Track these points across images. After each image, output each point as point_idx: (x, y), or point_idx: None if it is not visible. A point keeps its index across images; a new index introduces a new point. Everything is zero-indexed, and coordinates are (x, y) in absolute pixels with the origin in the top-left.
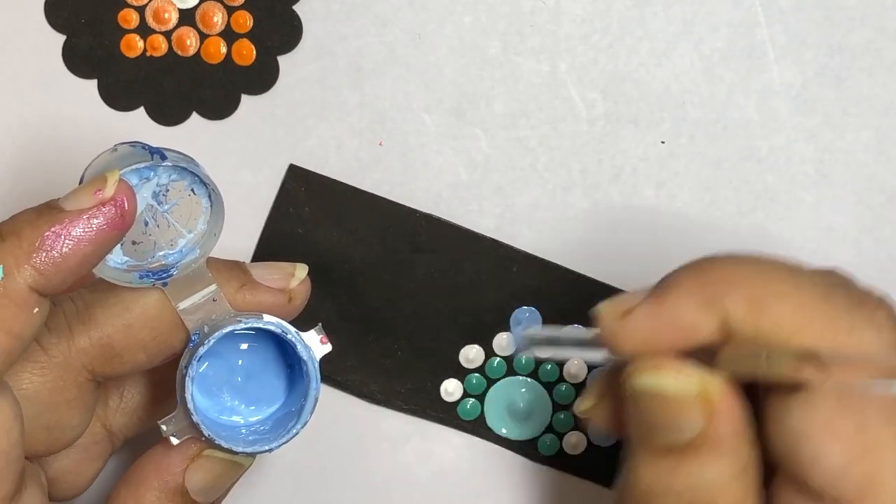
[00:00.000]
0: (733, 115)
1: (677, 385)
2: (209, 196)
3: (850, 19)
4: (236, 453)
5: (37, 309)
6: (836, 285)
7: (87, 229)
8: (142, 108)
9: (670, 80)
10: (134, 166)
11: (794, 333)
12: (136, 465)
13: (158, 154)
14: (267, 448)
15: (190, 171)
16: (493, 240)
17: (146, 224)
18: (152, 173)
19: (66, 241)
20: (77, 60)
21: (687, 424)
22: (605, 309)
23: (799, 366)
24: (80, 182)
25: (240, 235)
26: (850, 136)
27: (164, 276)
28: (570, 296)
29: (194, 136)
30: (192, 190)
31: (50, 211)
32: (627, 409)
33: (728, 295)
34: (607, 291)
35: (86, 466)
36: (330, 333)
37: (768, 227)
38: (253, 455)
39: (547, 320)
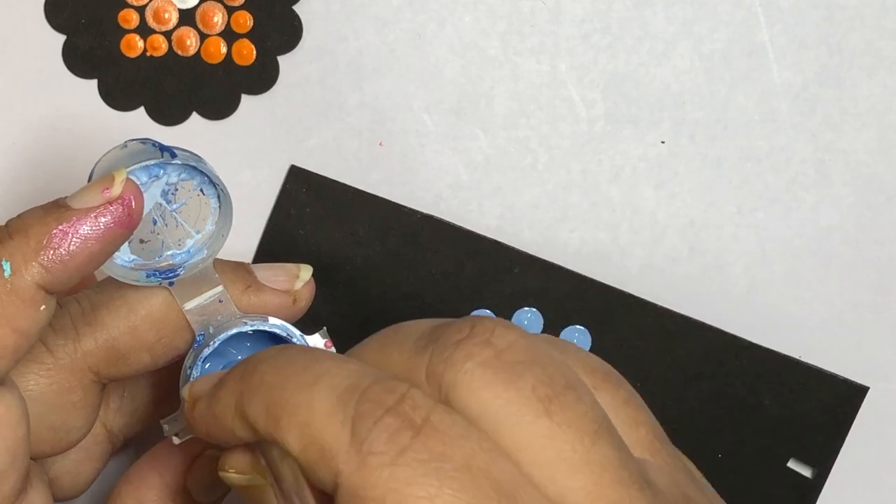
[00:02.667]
0: (733, 115)
1: (240, 479)
2: (218, 197)
3: (850, 19)
4: None
5: (43, 306)
6: (353, 390)
7: (94, 227)
8: (142, 108)
9: (670, 80)
10: (143, 163)
11: (301, 451)
12: (137, 464)
13: (168, 152)
14: None
15: (199, 170)
16: (494, 241)
17: (154, 223)
18: (162, 171)
19: (74, 240)
20: (77, 60)
21: None
22: (183, 393)
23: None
24: (90, 178)
25: (240, 236)
26: (850, 136)
27: (171, 275)
28: (571, 297)
29: (194, 136)
30: (202, 190)
31: (57, 209)
32: None
33: (252, 405)
34: (607, 292)
35: (86, 467)
36: (331, 334)
37: (768, 227)
38: None
39: (548, 321)
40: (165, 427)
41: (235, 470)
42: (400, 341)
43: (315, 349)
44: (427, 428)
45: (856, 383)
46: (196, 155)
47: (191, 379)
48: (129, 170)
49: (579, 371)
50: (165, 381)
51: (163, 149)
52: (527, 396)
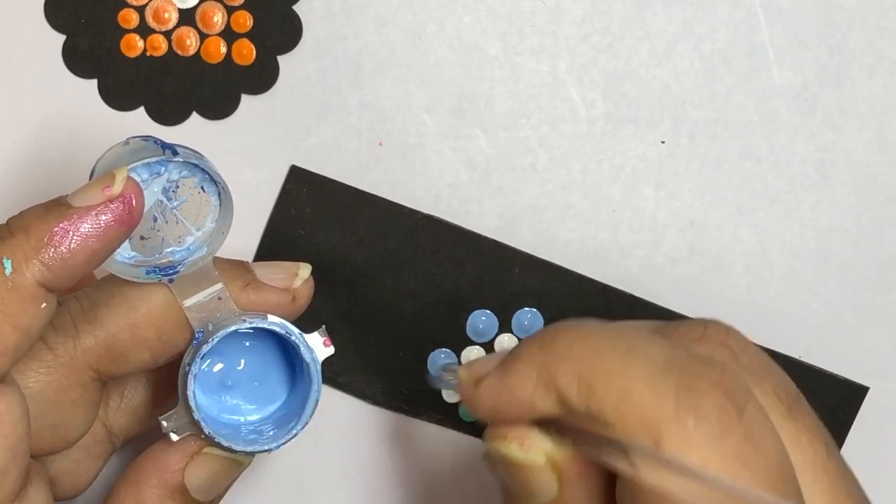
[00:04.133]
0: (733, 115)
1: (521, 455)
2: (219, 194)
3: (850, 19)
4: (236, 452)
5: (44, 304)
6: (671, 363)
7: (95, 225)
8: (142, 108)
9: (670, 80)
10: (145, 161)
11: (619, 418)
12: (136, 462)
13: (170, 149)
14: (266, 448)
15: (201, 168)
16: (494, 241)
17: (155, 220)
18: (163, 168)
19: (75, 237)
20: (77, 60)
21: (539, 490)
22: (462, 374)
23: (615, 456)
24: (91, 175)
25: (240, 235)
26: (850, 136)
27: (170, 272)
28: (572, 297)
29: (194, 136)
30: (202, 187)
31: (58, 207)
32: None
33: (561, 373)
34: (607, 292)
35: (86, 466)
36: (331, 334)
37: (768, 227)
38: (252, 454)
39: (548, 321)
40: (164, 424)
41: (520, 444)
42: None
43: (616, 325)
44: (748, 415)
45: (856, 383)
46: (197, 152)
47: (190, 376)
48: (130, 167)
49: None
50: (165, 380)
51: (164, 146)
52: (772, 400)
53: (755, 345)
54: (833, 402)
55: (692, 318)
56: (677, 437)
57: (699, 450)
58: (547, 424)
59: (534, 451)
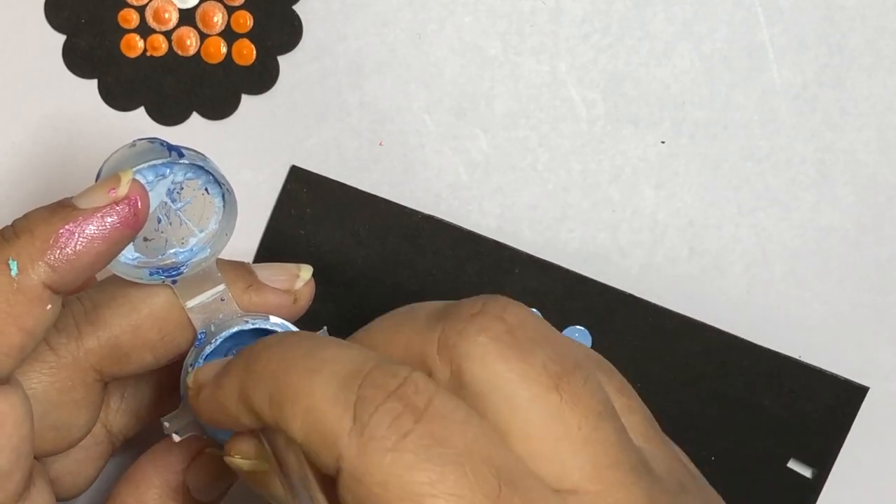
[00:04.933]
0: (733, 115)
1: (246, 464)
2: (223, 196)
3: (850, 19)
4: None
5: (49, 306)
6: (354, 376)
7: (100, 227)
8: (142, 108)
9: (670, 80)
10: (151, 163)
11: (305, 437)
12: (137, 463)
13: (176, 151)
14: None
15: (205, 170)
16: (494, 241)
17: (159, 221)
18: (168, 170)
19: (80, 239)
20: (77, 60)
21: (271, 493)
22: (188, 379)
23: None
24: (97, 176)
25: (240, 235)
26: (850, 136)
27: (174, 273)
28: (571, 297)
29: (194, 136)
30: (206, 189)
31: (64, 209)
32: None
33: (256, 393)
34: (607, 292)
35: (86, 466)
36: (331, 334)
37: (768, 227)
38: None
39: (548, 321)
40: (165, 424)
41: (241, 455)
42: (412, 318)
43: (318, 335)
44: (429, 412)
45: (856, 383)
46: (202, 154)
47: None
48: (136, 169)
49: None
50: (166, 381)
51: (170, 148)
52: (538, 372)
53: (537, 318)
54: (833, 402)
55: (477, 296)
56: (356, 450)
57: (377, 457)
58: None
59: (248, 460)
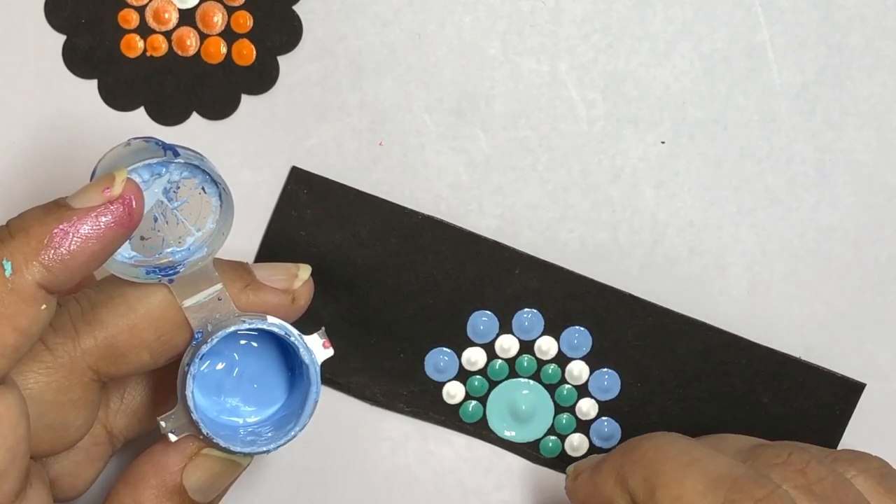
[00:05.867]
0: (733, 115)
1: None
2: (219, 195)
3: (850, 19)
4: (234, 453)
5: (44, 306)
6: (724, 478)
7: (95, 227)
8: (142, 108)
9: (670, 80)
10: (146, 162)
11: None
12: (135, 464)
13: (171, 150)
14: (264, 449)
15: (202, 169)
16: (494, 242)
17: (155, 220)
18: (164, 169)
19: (75, 239)
20: (77, 60)
21: None
22: (569, 470)
23: None
24: (92, 175)
25: (240, 235)
26: (850, 136)
27: (170, 272)
28: (572, 298)
29: (194, 136)
30: (203, 188)
31: (58, 208)
32: None
33: (632, 476)
34: (608, 292)
35: (86, 468)
36: (332, 335)
37: (768, 227)
38: (251, 455)
39: (548, 322)
40: (162, 424)
41: None
42: (723, 449)
43: (691, 439)
44: None
45: (852, 380)
46: (198, 153)
47: (189, 376)
48: (131, 168)
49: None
50: (165, 382)
51: (166, 147)
52: None
53: (837, 475)
54: (830, 399)
55: (783, 443)
56: None
57: None
58: None
59: None
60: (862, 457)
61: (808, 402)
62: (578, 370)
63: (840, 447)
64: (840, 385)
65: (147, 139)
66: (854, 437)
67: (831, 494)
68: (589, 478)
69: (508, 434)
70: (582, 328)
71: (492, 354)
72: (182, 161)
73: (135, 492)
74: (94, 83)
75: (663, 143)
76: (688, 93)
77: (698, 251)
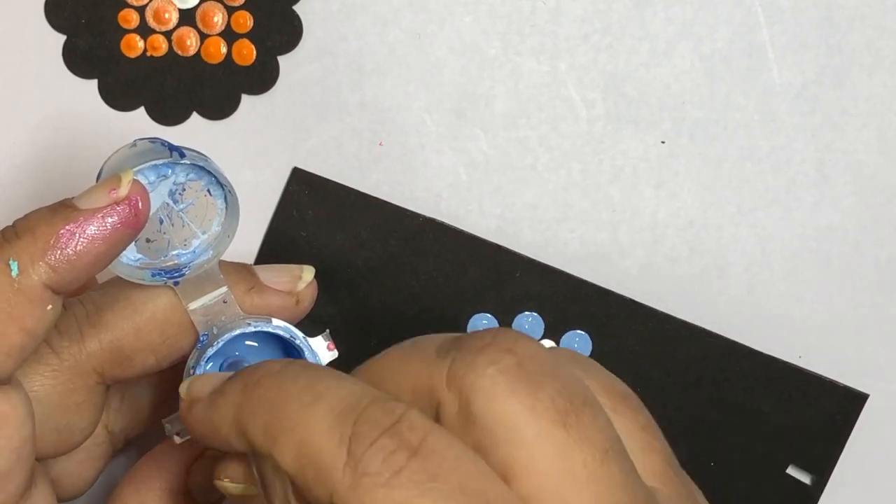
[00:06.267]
0: (733, 115)
1: (235, 488)
2: (225, 198)
3: (850, 19)
4: None
5: (50, 306)
6: (351, 410)
7: (101, 228)
8: (142, 108)
9: (670, 80)
10: (152, 163)
11: (297, 470)
12: (139, 464)
13: (177, 152)
14: None
15: (207, 171)
16: (495, 244)
17: (161, 222)
18: (170, 171)
19: (81, 240)
20: (77, 60)
21: None
22: (182, 389)
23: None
24: (98, 177)
25: (240, 235)
26: (850, 136)
27: (176, 275)
28: (572, 301)
29: (194, 136)
30: (209, 191)
31: (64, 209)
32: None
33: (251, 421)
34: (608, 296)
35: (87, 467)
36: (332, 337)
37: (768, 227)
38: None
39: (548, 326)
40: (167, 426)
41: (230, 479)
42: (421, 349)
43: (319, 366)
44: (423, 449)
45: (855, 390)
46: (204, 155)
47: None
48: (136, 169)
49: (599, 391)
50: (167, 382)
51: (172, 148)
52: (545, 406)
53: (548, 352)
54: (832, 409)
55: (488, 328)
56: (348, 485)
57: (369, 493)
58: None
59: (237, 484)
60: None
61: (809, 412)
62: None
63: (842, 457)
64: (842, 395)
65: (153, 140)
66: (855, 438)
67: (545, 370)
68: (204, 413)
69: None
70: (582, 332)
71: None
72: (188, 162)
73: (139, 493)
74: (94, 83)
75: (663, 143)
76: (688, 93)
77: (698, 251)
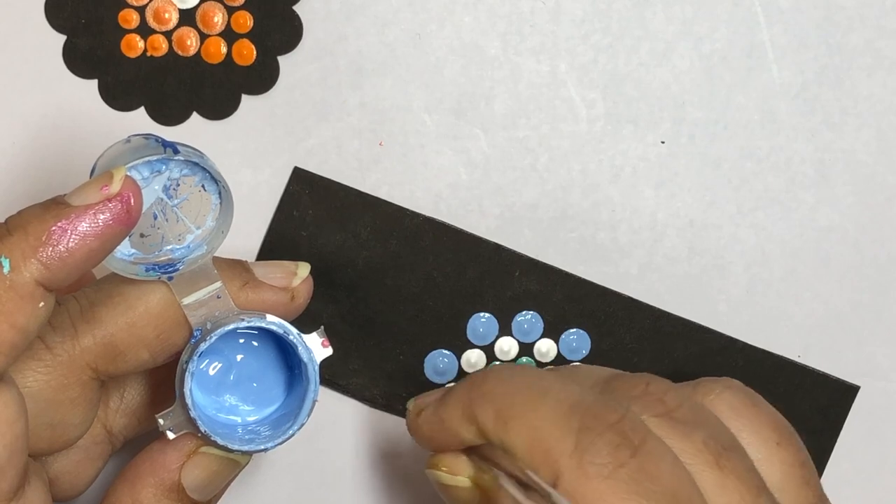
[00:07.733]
0: (733, 115)
1: (449, 478)
2: (219, 193)
3: (849, 19)
4: (232, 451)
5: (42, 303)
6: (578, 405)
7: (93, 224)
8: (142, 108)
9: (670, 80)
10: (146, 159)
11: (526, 453)
12: (133, 462)
13: (171, 147)
14: (262, 448)
15: (201, 166)
16: (495, 244)
17: (155, 217)
18: (164, 167)
19: (73, 236)
20: (77, 60)
21: None
22: (409, 405)
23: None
24: (92, 172)
25: (241, 235)
26: (850, 136)
27: (170, 270)
28: (571, 300)
29: (194, 136)
30: (203, 186)
31: (56, 206)
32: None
33: (481, 410)
34: (607, 295)
35: (85, 467)
36: (332, 337)
37: (768, 227)
38: (249, 454)
39: (548, 324)
40: (160, 421)
41: (448, 470)
42: (579, 380)
43: (541, 371)
44: (643, 450)
45: (847, 382)
46: (198, 151)
47: (188, 374)
48: (130, 165)
49: (766, 425)
50: (164, 382)
51: (165, 144)
52: (699, 449)
53: (695, 401)
54: (825, 402)
55: (638, 374)
56: (574, 471)
57: (593, 481)
58: (477, 452)
59: (459, 475)
60: (718, 380)
61: (803, 405)
62: None
63: (838, 447)
64: (835, 388)
65: (147, 136)
66: (852, 436)
67: (690, 419)
68: (433, 413)
69: None
70: (581, 331)
71: (491, 356)
72: (182, 158)
73: (133, 490)
74: (94, 83)
75: (663, 143)
76: (688, 93)
77: (698, 251)
